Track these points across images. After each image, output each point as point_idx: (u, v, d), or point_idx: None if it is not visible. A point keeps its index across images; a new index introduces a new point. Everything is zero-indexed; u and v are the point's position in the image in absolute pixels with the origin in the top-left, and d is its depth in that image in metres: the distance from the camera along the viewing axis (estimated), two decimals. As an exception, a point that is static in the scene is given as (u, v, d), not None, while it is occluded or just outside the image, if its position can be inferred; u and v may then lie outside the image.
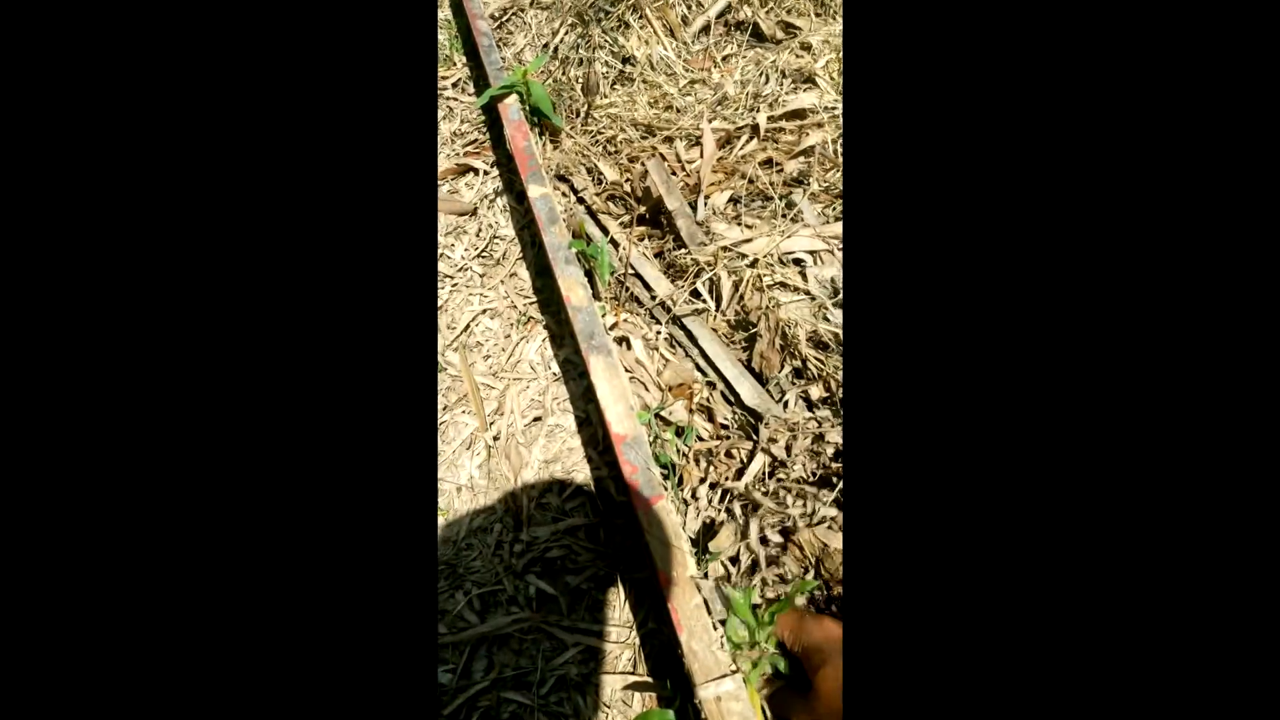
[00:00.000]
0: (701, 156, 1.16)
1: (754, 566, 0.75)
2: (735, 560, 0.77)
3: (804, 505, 0.76)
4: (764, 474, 0.82)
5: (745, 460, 0.84)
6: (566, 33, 1.49)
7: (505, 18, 1.64)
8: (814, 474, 0.79)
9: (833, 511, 0.75)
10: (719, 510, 0.82)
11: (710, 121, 1.21)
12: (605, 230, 1.16)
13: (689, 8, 1.41)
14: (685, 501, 0.86)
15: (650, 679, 0.80)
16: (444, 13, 1.80)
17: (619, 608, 0.86)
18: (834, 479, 0.77)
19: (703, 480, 0.86)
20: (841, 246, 1.01)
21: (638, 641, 0.83)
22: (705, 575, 0.75)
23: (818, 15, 1.35)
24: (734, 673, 0.64)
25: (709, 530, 0.81)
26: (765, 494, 0.79)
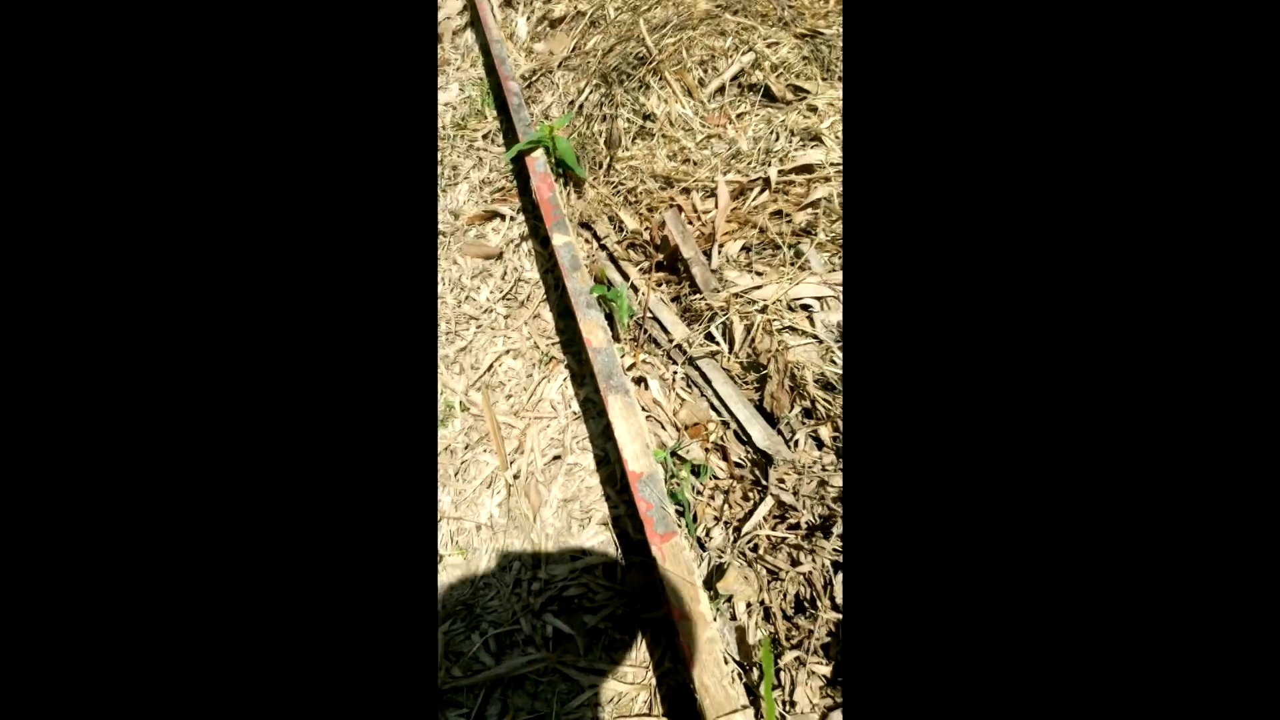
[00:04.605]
0: (716, 207, 1.22)
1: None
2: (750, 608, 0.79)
3: (813, 561, 0.77)
4: (772, 516, 0.84)
5: (758, 500, 0.86)
6: (591, 92, 1.59)
7: (535, 78, 1.75)
8: (820, 517, 0.80)
9: (840, 558, 0.77)
10: (732, 555, 0.84)
11: (725, 174, 1.28)
12: (625, 276, 1.22)
13: (705, 71, 1.50)
14: (700, 539, 0.87)
15: None
16: (477, 70, 1.92)
17: (636, 648, 0.87)
18: (836, 521, 0.80)
19: (717, 519, 0.88)
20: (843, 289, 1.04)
21: (654, 682, 0.84)
22: (717, 615, 0.76)
23: (824, 79, 1.44)
24: (745, 708, 0.65)
25: (719, 572, 0.82)
26: (774, 544, 0.81)
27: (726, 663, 0.69)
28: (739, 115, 1.43)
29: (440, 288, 1.36)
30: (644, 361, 1.09)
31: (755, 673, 0.75)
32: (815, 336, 1.00)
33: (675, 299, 1.16)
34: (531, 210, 1.46)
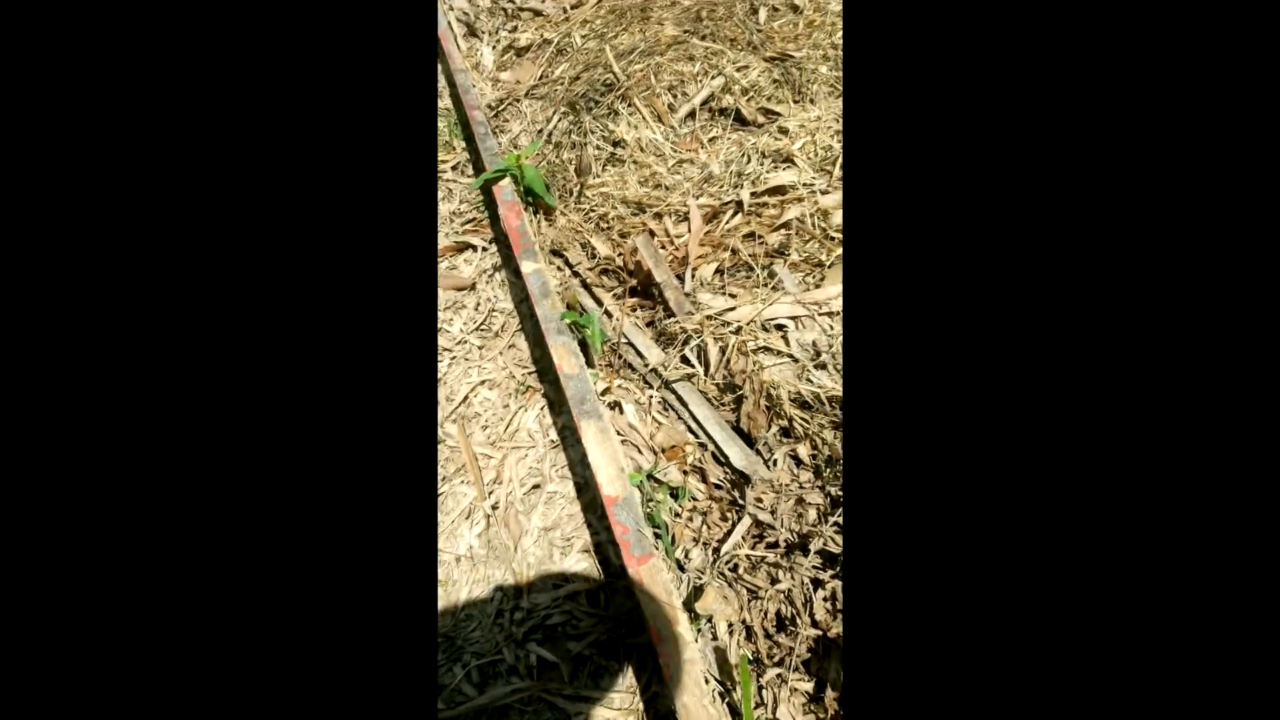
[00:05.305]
0: (689, 231, 1.24)
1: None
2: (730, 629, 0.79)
3: (792, 578, 0.78)
4: (751, 535, 0.85)
5: (736, 520, 0.87)
6: (559, 120, 1.61)
7: (502, 108, 1.77)
8: (799, 535, 0.81)
9: (819, 575, 0.77)
10: (711, 575, 0.84)
11: (697, 198, 1.30)
12: (599, 302, 1.23)
13: (675, 96, 1.54)
14: (679, 561, 0.87)
15: (652, 747, 0.80)
16: (444, 102, 1.94)
17: (622, 673, 0.87)
18: (814, 538, 0.81)
19: (696, 540, 0.88)
20: (832, 309, 1.07)
21: (641, 707, 0.83)
22: (698, 635, 0.76)
23: (795, 102, 1.48)
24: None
25: (698, 592, 0.83)
26: (754, 564, 0.82)
27: (708, 683, 0.69)
28: (710, 139, 1.47)
29: (415, 318, 1.35)
30: (619, 386, 1.10)
31: (737, 692, 0.75)
32: (790, 356, 1.02)
33: (650, 323, 1.17)
34: (503, 240, 1.47)
